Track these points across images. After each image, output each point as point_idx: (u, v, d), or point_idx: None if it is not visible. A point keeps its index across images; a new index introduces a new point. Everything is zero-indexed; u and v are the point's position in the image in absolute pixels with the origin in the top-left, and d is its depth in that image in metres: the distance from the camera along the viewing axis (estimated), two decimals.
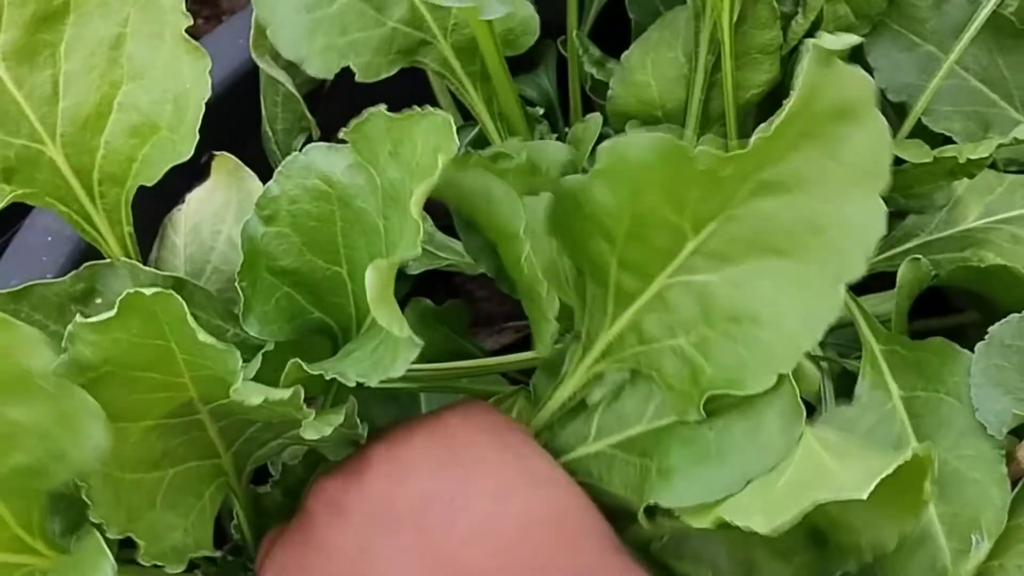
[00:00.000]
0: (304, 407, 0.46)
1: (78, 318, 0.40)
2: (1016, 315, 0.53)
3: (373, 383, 0.45)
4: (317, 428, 0.46)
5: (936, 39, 0.68)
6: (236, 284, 0.49)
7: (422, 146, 0.44)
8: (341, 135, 0.48)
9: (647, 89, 0.67)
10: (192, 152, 0.53)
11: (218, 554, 0.61)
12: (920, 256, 0.60)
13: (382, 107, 0.47)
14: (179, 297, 0.40)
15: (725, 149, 0.67)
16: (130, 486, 0.48)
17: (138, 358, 0.43)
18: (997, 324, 0.53)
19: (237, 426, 0.51)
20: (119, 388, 0.44)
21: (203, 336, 0.41)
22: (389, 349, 0.45)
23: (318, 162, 0.50)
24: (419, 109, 0.45)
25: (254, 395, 0.43)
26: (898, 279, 0.61)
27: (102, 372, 0.43)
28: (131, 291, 0.39)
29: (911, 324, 0.62)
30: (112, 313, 0.40)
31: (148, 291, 0.39)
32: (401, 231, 0.46)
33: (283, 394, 0.43)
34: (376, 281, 0.41)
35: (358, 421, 0.50)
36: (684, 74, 0.67)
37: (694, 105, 0.66)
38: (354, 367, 0.46)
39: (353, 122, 0.48)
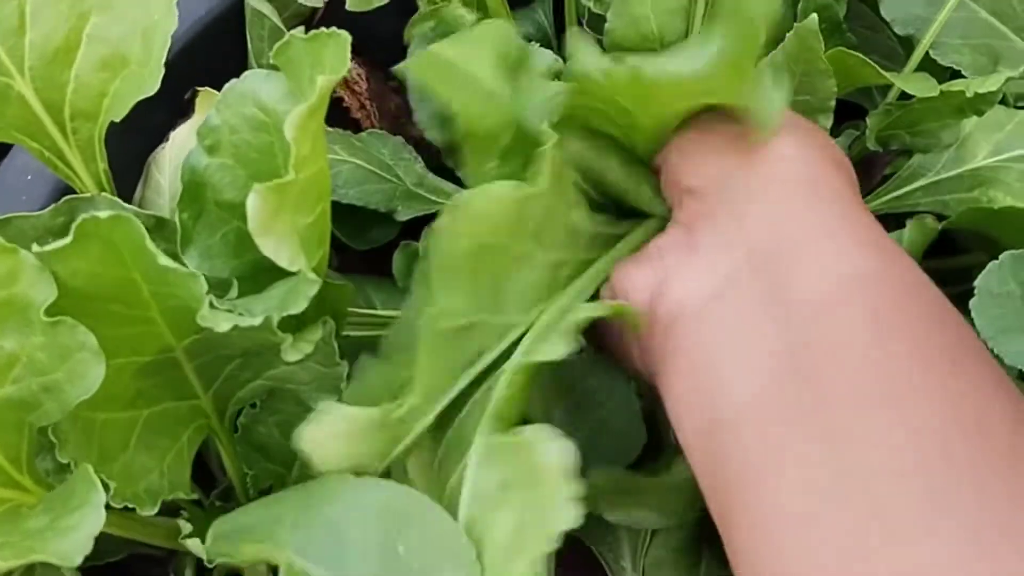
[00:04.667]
0: (279, 332, 0.44)
1: (34, 247, 0.39)
2: (994, 263, 0.50)
3: (276, 319, 0.44)
4: (298, 348, 0.45)
5: None
6: (176, 216, 0.48)
7: (329, 68, 0.42)
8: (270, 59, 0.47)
9: (646, 22, 0.65)
10: (158, 86, 0.52)
11: (206, 499, 0.60)
12: (928, 214, 0.58)
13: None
14: (137, 221, 0.38)
15: None
16: (102, 426, 0.47)
17: (100, 289, 0.41)
18: (980, 277, 0.50)
19: (215, 364, 0.50)
20: (85, 323, 0.43)
21: (163, 260, 0.39)
22: (298, 284, 0.43)
23: (255, 89, 0.48)
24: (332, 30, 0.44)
25: (223, 321, 0.41)
26: (905, 241, 0.59)
27: (64, 305, 0.42)
28: (86, 216, 0.38)
29: None
30: (68, 240, 0.38)
31: (103, 215, 0.37)
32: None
33: (253, 320, 0.42)
34: (258, 206, 0.39)
35: (337, 351, 0.48)
36: (684, 6, 0.64)
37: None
38: (263, 303, 0.45)
39: (277, 45, 0.46)
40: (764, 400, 0.40)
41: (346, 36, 0.42)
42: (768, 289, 0.42)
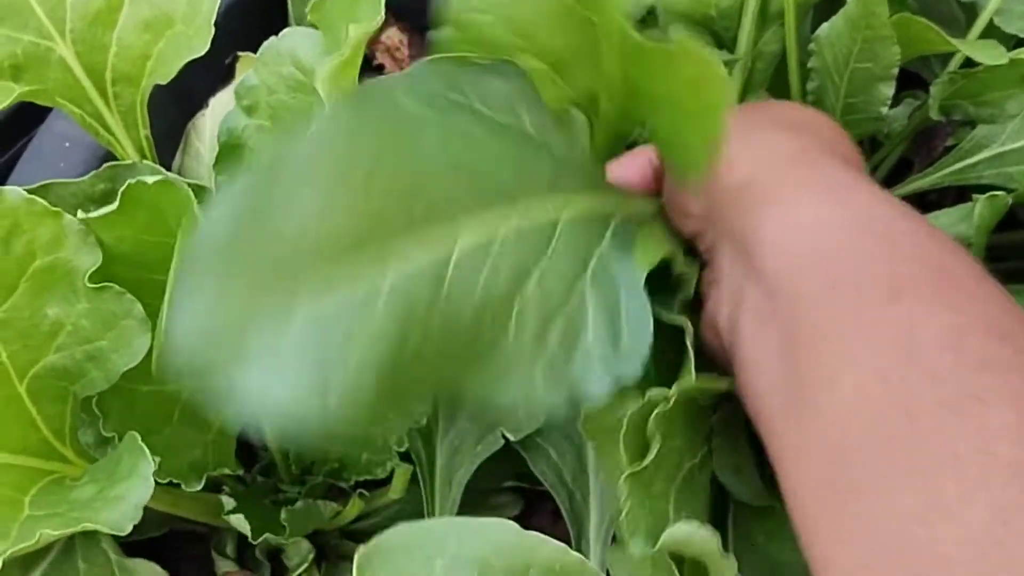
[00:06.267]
0: None
1: (80, 213, 0.37)
2: None
3: None
4: None
5: None
6: (212, 176, 0.46)
7: (364, 20, 0.40)
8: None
9: None
10: (207, 46, 0.50)
11: (247, 475, 0.59)
12: (1000, 192, 0.56)
13: None
14: (184, 186, 0.37)
15: (783, 54, 0.64)
16: (145, 399, 0.46)
17: (146, 257, 0.40)
18: None
19: None
20: (130, 291, 0.42)
21: None
22: None
23: (293, 47, 0.46)
24: None
25: None
26: (975, 216, 0.56)
27: (109, 274, 0.41)
28: (132, 181, 0.36)
29: None
30: (114, 206, 0.37)
31: (150, 179, 0.36)
32: None
33: None
34: None
35: None
36: None
37: (751, 2, 0.61)
38: None
39: (312, 1, 0.44)
40: None
41: None
42: None
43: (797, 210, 0.41)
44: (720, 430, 0.46)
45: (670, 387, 0.42)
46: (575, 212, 0.41)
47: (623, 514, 0.40)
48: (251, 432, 0.57)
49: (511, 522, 0.35)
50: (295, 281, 0.32)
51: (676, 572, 0.40)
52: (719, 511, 0.49)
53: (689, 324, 0.44)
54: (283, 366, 0.31)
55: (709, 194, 0.44)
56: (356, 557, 0.34)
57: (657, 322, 0.41)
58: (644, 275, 0.41)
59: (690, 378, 0.42)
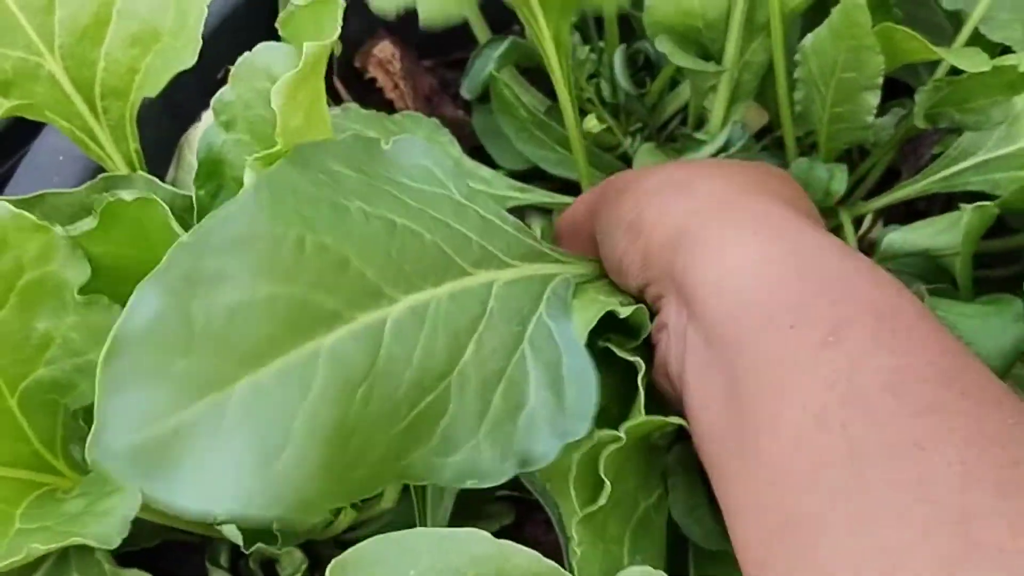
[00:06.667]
0: None
1: (57, 229, 0.38)
2: None
3: None
4: None
5: None
6: (193, 192, 0.46)
7: (325, 35, 0.41)
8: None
9: None
10: (195, 58, 0.50)
11: None
12: (987, 202, 0.56)
13: None
14: (161, 202, 0.37)
15: (770, 64, 0.65)
16: None
17: (130, 271, 0.40)
18: None
19: None
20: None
21: None
22: None
23: (267, 62, 0.46)
24: None
25: None
26: (963, 225, 0.56)
27: (96, 288, 0.41)
28: (111, 199, 0.37)
29: None
30: (94, 223, 0.37)
31: (128, 196, 0.36)
32: None
33: None
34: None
35: None
36: None
37: (737, 14, 0.62)
38: None
39: (281, 15, 0.44)
40: None
41: (339, 1, 0.40)
42: None
43: (729, 251, 0.40)
44: (676, 469, 0.46)
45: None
46: (510, 275, 0.41)
47: (576, 557, 0.39)
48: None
49: (485, 532, 0.35)
50: (230, 357, 0.31)
51: None
52: (680, 552, 0.48)
53: (642, 363, 0.43)
54: (224, 446, 0.31)
55: (643, 250, 0.45)
56: (329, 568, 0.34)
57: (614, 359, 0.41)
58: (585, 334, 0.41)
59: (640, 416, 0.42)
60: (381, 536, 0.35)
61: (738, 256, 0.40)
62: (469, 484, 0.38)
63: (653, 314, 0.47)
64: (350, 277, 0.35)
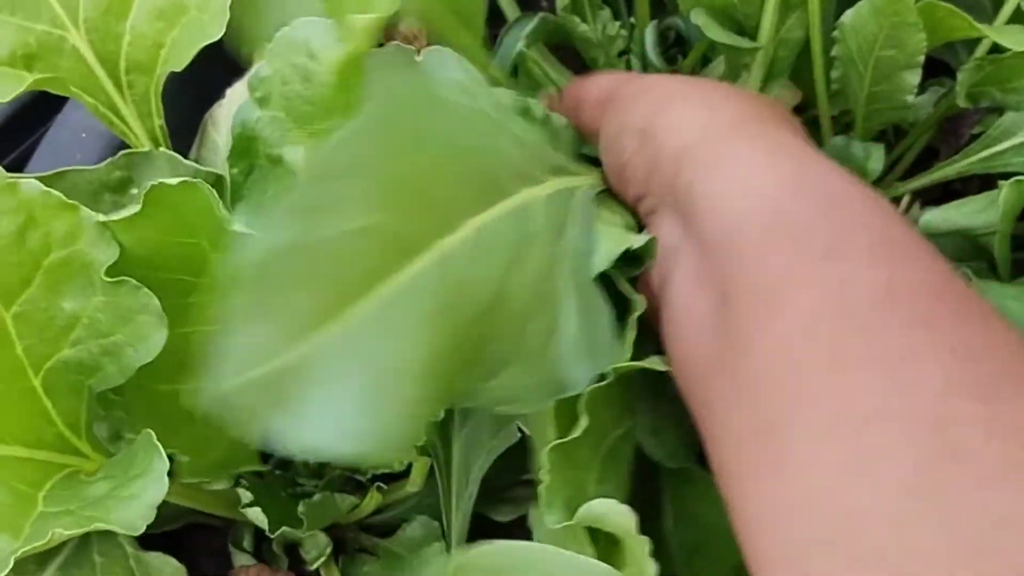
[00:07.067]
0: None
1: (100, 216, 0.37)
2: None
3: None
4: None
5: None
6: (227, 171, 0.45)
7: (377, 8, 0.39)
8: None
9: None
10: (223, 31, 0.49)
11: (265, 468, 0.59)
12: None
13: None
14: (207, 186, 0.36)
15: (806, 41, 0.63)
16: (166, 398, 0.46)
17: (168, 259, 0.39)
18: None
19: None
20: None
21: (235, 225, 0.37)
22: None
23: (305, 37, 0.45)
24: None
25: None
26: (1000, 202, 0.55)
27: (127, 272, 0.40)
28: (156, 183, 0.36)
29: None
30: (137, 208, 0.36)
31: (173, 181, 0.35)
32: None
33: None
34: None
35: None
36: None
37: None
38: None
39: None
40: None
41: None
42: None
43: (738, 172, 0.41)
44: (641, 394, 0.46)
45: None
46: (544, 191, 0.41)
47: (542, 485, 0.39)
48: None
49: (601, 563, 0.35)
50: (336, 287, 0.31)
51: (591, 545, 0.39)
52: (651, 476, 0.48)
53: (642, 301, 0.43)
54: (337, 384, 0.30)
55: (652, 158, 0.44)
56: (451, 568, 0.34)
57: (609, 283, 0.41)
58: (607, 265, 0.42)
59: (627, 358, 0.42)
60: (502, 543, 0.35)
61: (745, 177, 0.41)
62: (505, 410, 0.37)
63: (641, 228, 0.47)
64: (431, 200, 0.35)
